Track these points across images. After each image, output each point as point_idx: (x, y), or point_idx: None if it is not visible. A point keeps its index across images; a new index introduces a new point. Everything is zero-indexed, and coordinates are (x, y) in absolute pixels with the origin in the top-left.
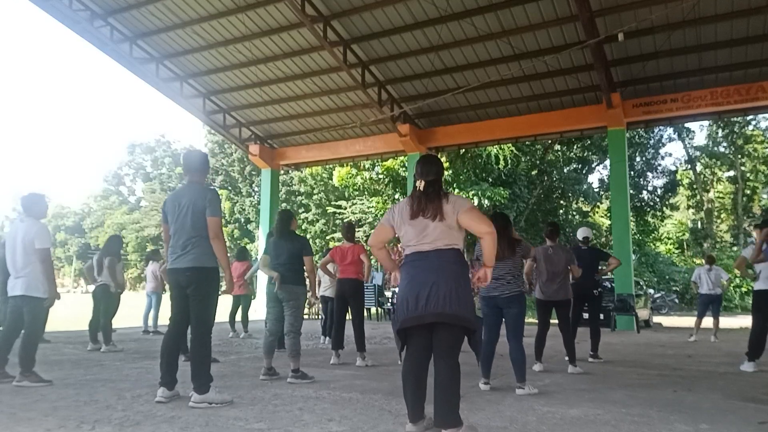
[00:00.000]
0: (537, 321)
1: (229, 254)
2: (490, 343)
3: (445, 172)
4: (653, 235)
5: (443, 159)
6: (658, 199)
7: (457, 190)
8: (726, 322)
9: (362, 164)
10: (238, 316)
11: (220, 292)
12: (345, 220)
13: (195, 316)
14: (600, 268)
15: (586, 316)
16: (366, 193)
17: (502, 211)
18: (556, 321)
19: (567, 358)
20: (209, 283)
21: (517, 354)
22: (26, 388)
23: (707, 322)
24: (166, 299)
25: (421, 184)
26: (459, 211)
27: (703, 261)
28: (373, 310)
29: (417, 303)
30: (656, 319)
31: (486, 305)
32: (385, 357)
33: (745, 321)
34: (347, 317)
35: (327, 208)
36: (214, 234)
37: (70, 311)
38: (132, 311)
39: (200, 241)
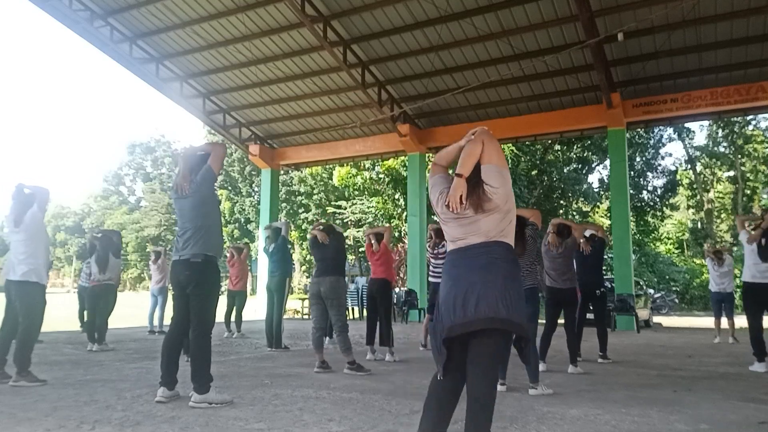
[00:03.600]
0: (545, 320)
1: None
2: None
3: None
4: (653, 235)
5: None
6: (658, 199)
7: None
8: (726, 322)
9: (362, 164)
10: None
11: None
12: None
13: (195, 316)
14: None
15: (589, 316)
16: (366, 193)
17: None
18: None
19: (570, 358)
20: (209, 281)
21: (531, 354)
22: (26, 388)
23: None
24: (171, 298)
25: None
26: (491, 175)
27: (711, 256)
28: None
29: (465, 307)
30: (656, 319)
31: None
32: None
33: (745, 321)
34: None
35: (327, 208)
36: (219, 156)
37: (70, 311)
38: (133, 311)
39: (201, 231)
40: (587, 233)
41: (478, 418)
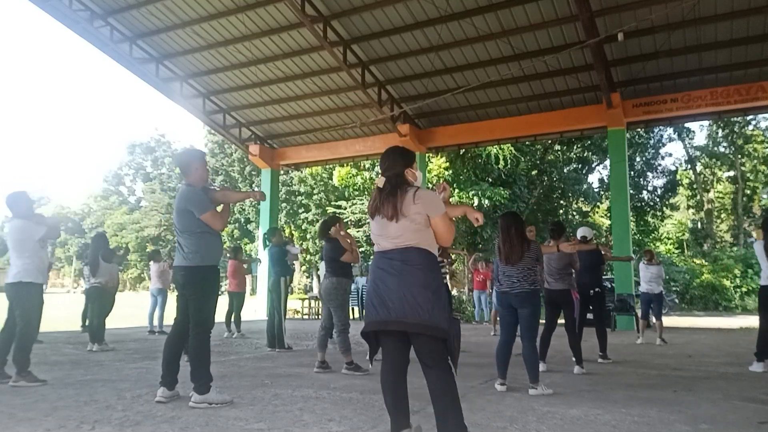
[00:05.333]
0: (545, 320)
1: (229, 254)
2: (506, 344)
3: (446, 172)
4: (653, 235)
5: (443, 159)
6: (658, 199)
7: (457, 191)
8: (726, 322)
9: (362, 164)
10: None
11: (219, 291)
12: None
13: (192, 317)
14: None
15: (589, 316)
16: (366, 193)
17: (512, 211)
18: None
19: (574, 359)
20: (205, 283)
21: (530, 354)
22: (26, 388)
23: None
24: (171, 298)
25: (380, 181)
26: (431, 216)
27: (643, 256)
28: None
29: (379, 308)
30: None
31: (500, 304)
32: None
33: (745, 321)
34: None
35: (327, 208)
36: (216, 226)
37: (70, 311)
38: (133, 311)
39: (190, 239)
40: (580, 235)
41: (446, 405)
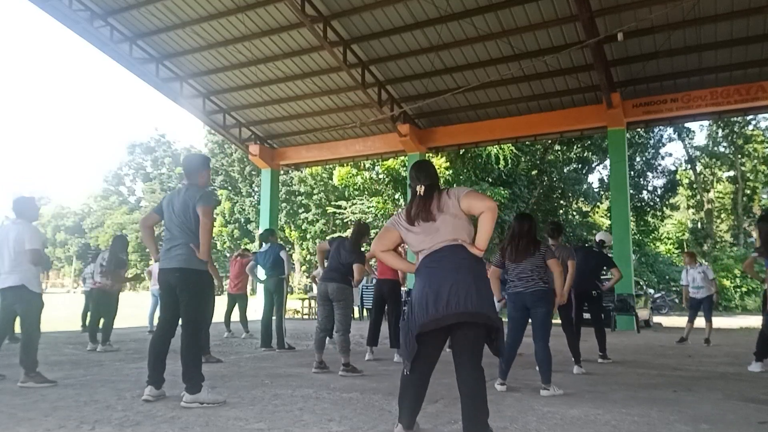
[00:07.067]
0: None
1: (229, 254)
2: (514, 345)
3: (446, 172)
4: (653, 235)
5: (443, 159)
6: (658, 199)
7: None
8: (726, 322)
9: (362, 164)
10: (235, 316)
11: (216, 292)
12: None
13: (184, 316)
14: (602, 281)
15: (586, 316)
16: (366, 193)
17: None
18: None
19: (573, 359)
20: (198, 283)
21: (544, 355)
22: (26, 389)
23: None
24: None
25: (421, 189)
26: (459, 197)
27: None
28: None
29: (437, 304)
30: (656, 319)
31: (513, 305)
32: (385, 356)
33: (745, 321)
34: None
35: (327, 208)
36: (209, 223)
37: (70, 311)
38: (133, 311)
39: (189, 242)
40: (597, 238)
41: (477, 406)
